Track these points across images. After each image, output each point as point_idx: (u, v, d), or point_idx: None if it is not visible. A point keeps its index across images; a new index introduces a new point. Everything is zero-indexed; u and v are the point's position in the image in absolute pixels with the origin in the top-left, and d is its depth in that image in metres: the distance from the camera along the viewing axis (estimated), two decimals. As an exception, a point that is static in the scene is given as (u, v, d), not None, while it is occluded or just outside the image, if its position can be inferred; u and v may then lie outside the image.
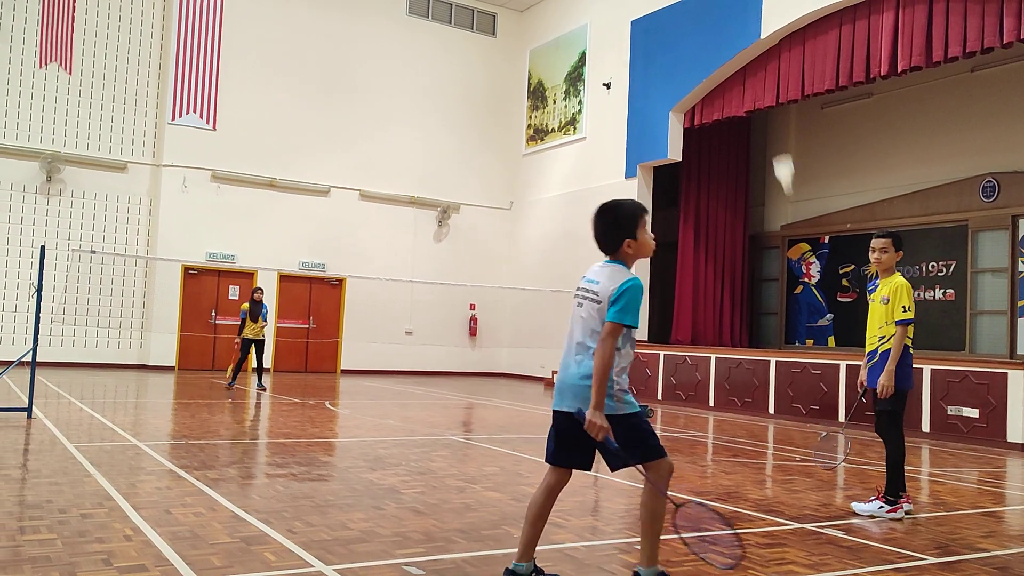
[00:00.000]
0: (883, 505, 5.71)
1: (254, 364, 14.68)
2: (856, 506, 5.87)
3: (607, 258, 3.83)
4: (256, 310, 14.47)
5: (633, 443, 3.60)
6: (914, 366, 12.01)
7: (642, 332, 18.30)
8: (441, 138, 22.21)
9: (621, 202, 3.89)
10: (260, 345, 14.57)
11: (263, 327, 14.52)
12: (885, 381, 5.74)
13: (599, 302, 3.63)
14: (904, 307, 5.76)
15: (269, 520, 4.81)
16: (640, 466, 3.61)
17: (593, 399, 3.53)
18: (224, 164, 19.41)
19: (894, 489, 5.76)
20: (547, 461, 3.77)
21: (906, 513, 5.73)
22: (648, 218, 3.85)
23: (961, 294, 15.87)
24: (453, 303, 21.77)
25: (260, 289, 15.07)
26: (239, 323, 14.78)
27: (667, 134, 17.69)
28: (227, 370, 15.05)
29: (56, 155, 18.00)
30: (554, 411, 3.78)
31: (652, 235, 3.87)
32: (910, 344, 5.85)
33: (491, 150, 22.92)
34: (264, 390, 14.38)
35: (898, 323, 5.77)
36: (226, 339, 19.39)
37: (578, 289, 3.79)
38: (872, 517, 5.68)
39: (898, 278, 5.92)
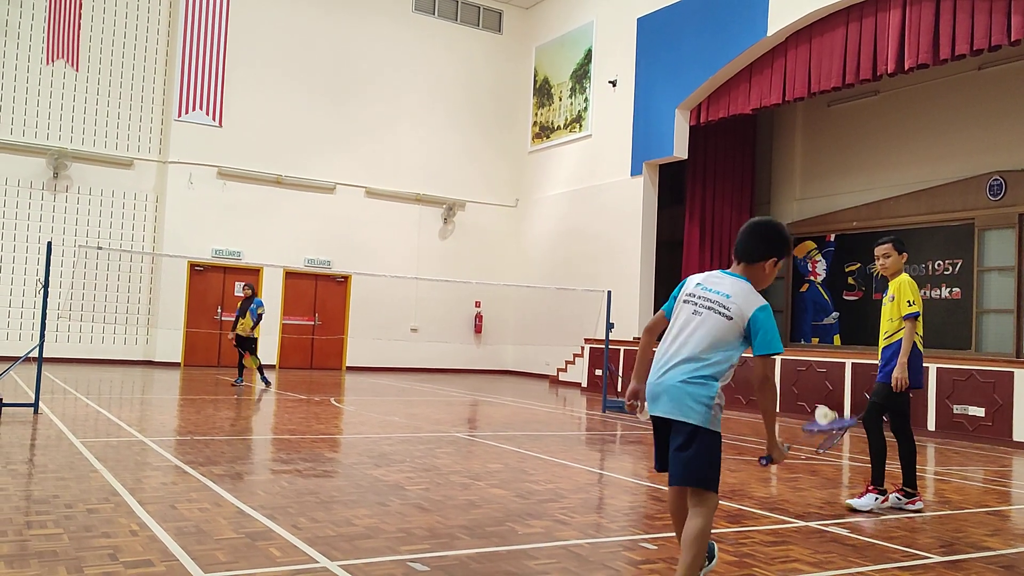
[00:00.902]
0: (877, 497, 5.83)
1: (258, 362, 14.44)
2: (853, 502, 5.90)
3: (731, 270, 3.66)
4: (244, 306, 14.10)
5: (701, 461, 3.42)
6: (922, 365, 11.97)
7: (647, 330, 18.28)
8: (447, 135, 22.21)
9: (782, 224, 3.82)
10: (244, 342, 14.14)
11: (247, 324, 13.98)
12: (899, 373, 5.75)
13: (730, 318, 3.45)
14: (909, 301, 5.78)
15: (274, 516, 4.83)
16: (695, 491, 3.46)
17: (769, 441, 3.55)
18: (230, 161, 19.45)
19: (911, 481, 5.91)
20: (656, 470, 3.66)
21: (917, 511, 5.83)
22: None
23: (967, 293, 15.82)
24: (458, 300, 21.78)
25: (247, 286, 14.83)
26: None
27: (673, 132, 17.67)
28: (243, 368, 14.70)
29: (63, 152, 18.06)
30: (652, 418, 3.60)
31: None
32: (919, 342, 5.85)
33: (497, 147, 22.91)
34: (237, 385, 14.11)
35: (905, 318, 5.78)
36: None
37: (695, 296, 3.58)
38: (872, 512, 5.75)
39: (901, 276, 5.95)
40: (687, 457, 3.41)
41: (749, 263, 3.62)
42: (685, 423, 3.39)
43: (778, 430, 3.70)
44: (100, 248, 12.91)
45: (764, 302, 3.49)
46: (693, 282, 3.64)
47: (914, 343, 5.79)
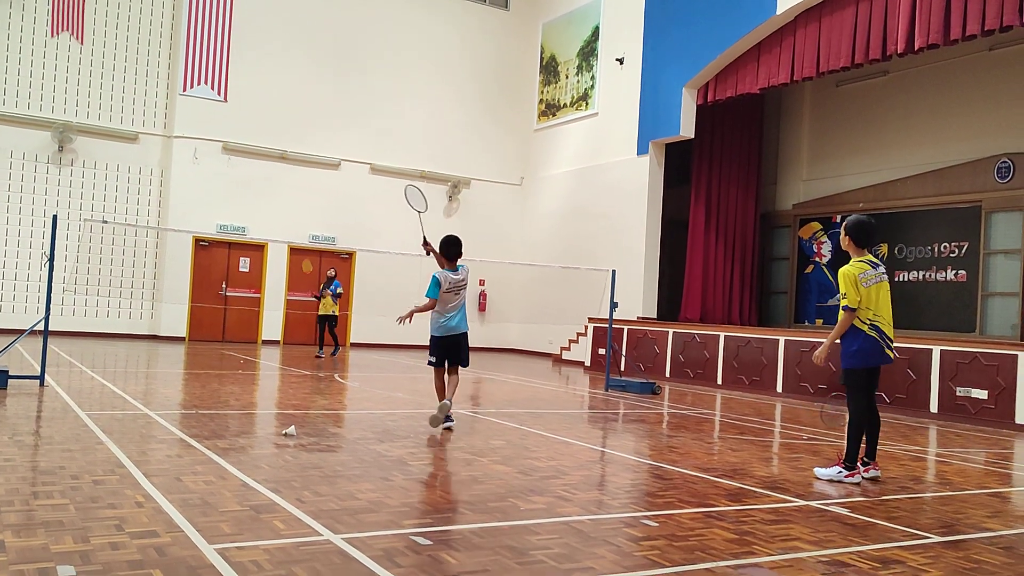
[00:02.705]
0: (842, 470, 6.14)
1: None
2: (817, 471, 6.30)
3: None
4: (327, 284, 16.29)
5: None
6: (920, 347, 11.96)
7: (651, 309, 18.30)
8: (452, 112, 22.11)
9: None
10: (325, 320, 16.36)
11: (328, 303, 16.23)
12: (818, 352, 6.36)
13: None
14: (843, 294, 6.18)
15: (278, 489, 4.86)
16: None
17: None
18: (235, 136, 19.40)
19: (851, 456, 6.18)
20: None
21: (856, 484, 6.08)
22: None
23: (972, 275, 15.78)
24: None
25: (333, 268, 16.99)
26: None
27: (680, 111, 17.56)
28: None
29: (68, 125, 18.03)
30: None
31: None
32: (866, 328, 6.13)
33: (502, 125, 22.81)
34: (320, 357, 16.00)
35: (843, 309, 6.19)
36: (236, 310, 19.53)
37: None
38: (831, 481, 6.11)
39: (844, 266, 6.25)
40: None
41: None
42: None
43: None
44: (105, 222, 12.94)
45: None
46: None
47: (857, 327, 6.13)
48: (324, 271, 18.72)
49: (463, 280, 7.81)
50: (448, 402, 7.42)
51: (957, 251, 16.14)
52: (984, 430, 10.47)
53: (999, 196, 15.42)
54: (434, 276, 7.67)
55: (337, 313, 16.49)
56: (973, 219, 15.84)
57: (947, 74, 16.51)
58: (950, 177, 16.21)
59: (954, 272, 16.14)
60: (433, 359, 7.72)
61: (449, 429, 7.52)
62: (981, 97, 15.95)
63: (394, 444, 6.72)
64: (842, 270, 6.22)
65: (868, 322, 6.13)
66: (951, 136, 16.40)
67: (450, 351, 7.72)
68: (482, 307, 22.36)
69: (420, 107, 21.63)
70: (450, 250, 7.81)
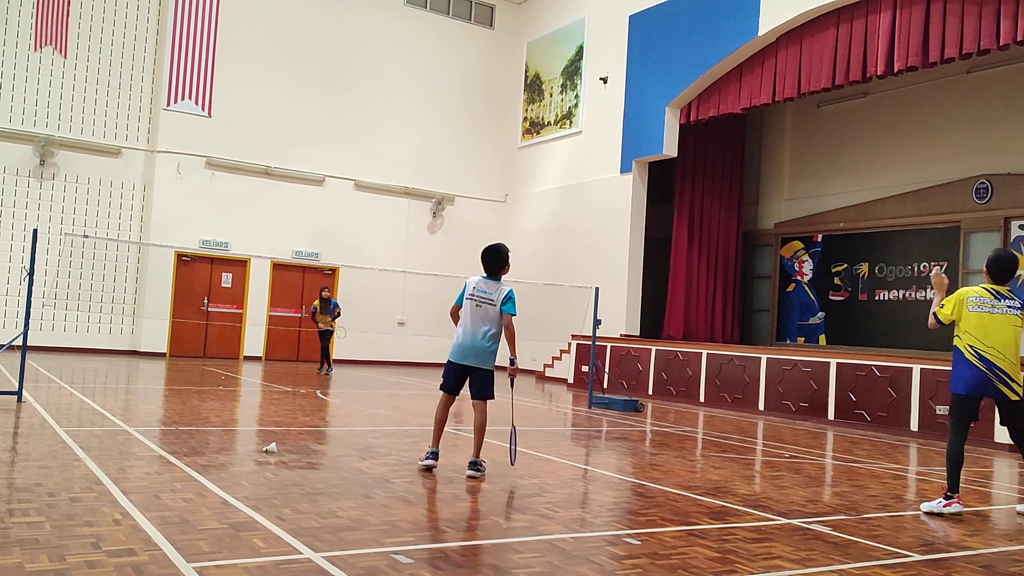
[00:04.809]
0: (941, 500, 6.04)
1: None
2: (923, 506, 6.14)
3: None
4: (325, 307, 16.45)
5: None
6: (901, 366, 12.07)
7: (633, 327, 18.35)
8: (437, 129, 22.17)
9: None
10: (325, 335, 16.71)
11: (330, 320, 16.50)
12: None
13: None
14: (942, 305, 6.34)
15: (258, 507, 4.82)
16: None
17: None
18: (219, 151, 19.34)
19: (952, 485, 6.07)
20: None
21: (953, 514, 5.92)
22: None
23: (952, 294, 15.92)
24: (446, 294, 21.57)
25: (326, 288, 17.07)
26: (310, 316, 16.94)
27: (663, 130, 17.69)
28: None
29: (50, 139, 17.92)
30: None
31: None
32: (964, 349, 6.18)
33: (487, 142, 22.89)
34: (319, 374, 16.31)
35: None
36: (218, 326, 19.41)
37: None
38: (931, 513, 5.96)
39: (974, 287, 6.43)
40: None
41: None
42: None
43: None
44: (86, 236, 12.79)
45: None
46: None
47: (959, 350, 6.19)
48: (317, 289, 18.97)
49: (491, 296, 6.39)
50: (476, 460, 6.30)
51: (937, 271, 16.28)
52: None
53: (977, 216, 15.61)
54: (465, 280, 6.65)
55: (333, 330, 16.79)
56: (952, 239, 16.02)
57: (926, 96, 16.75)
58: (929, 197, 16.41)
59: (934, 292, 16.28)
60: (443, 380, 6.51)
61: (474, 478, 6.19)
62: (960, 119, 16.18)
63: (376, 461, 6.68)
64: (967, 288, 6.38)
65: (970, 349, 6.13)
66: (930, 157, 16.61)
67: (461, 377, 6.42)
68: (466, 324, 22.29)
69: (405, 124, 21.67)
70: (486, 264, 6.57)
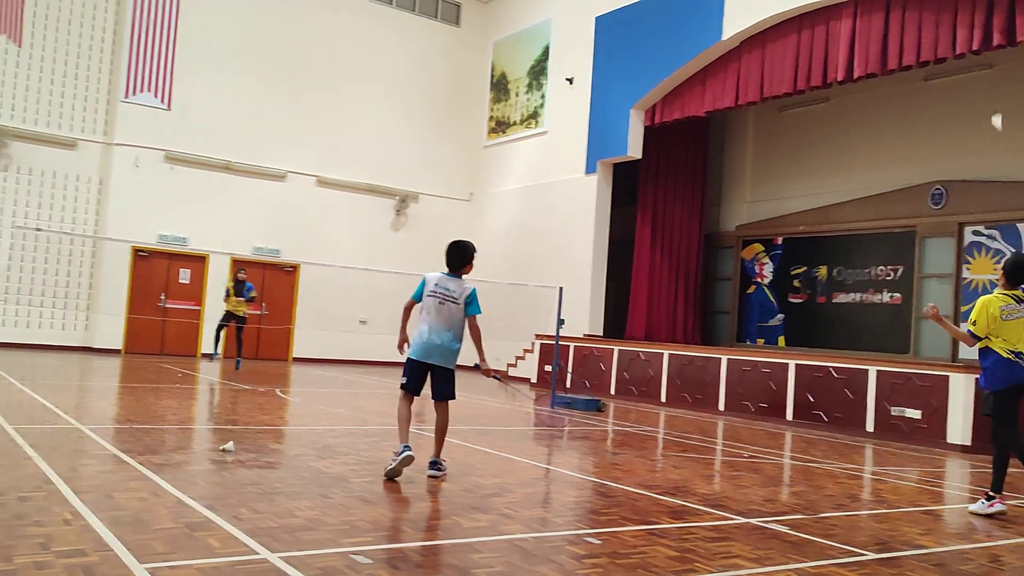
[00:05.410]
0: (984, 501, 6.23)
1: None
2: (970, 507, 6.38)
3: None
4: (240, 288, 15.63)
5: None
6: (857, 367, 12.27)
7: (597, 327, 18.42)
8: (401, 126, 22.04)
9: None
10: (240, 320, 15.79)
11: (241, 302, 15.63)
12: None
13: None
14: (973, 321, 6.41)
15: (214, 506, 4.74)
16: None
17: None
18: (178, 145, 19.01)
19: (996, 486, 6.25)
20: None
21: (997, 513, 6.13)
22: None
23: (907, 298, 16.25)
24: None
25: (242, 269, 16.32)
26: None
27: (628, 131, 17.79)
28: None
29: (3, 130, 17.46)
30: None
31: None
32: (1002, 351, 6.28)
33: (452, 140, 22.81)
34: (236, 370, 15.33)
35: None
36: (175, 322, 19.08)
37: None
38: (976, 514, 6.18)
39: (989, 295, 6.50)
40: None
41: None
42: None
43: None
44: (39, 230, 12.51)
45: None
46: None
47: (995, 351, 6.29)
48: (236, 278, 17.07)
49: (455, 294, 6.29)
50: (437, 460, 6.22)
51: (893, 274, 16.61)
52: (918, 449, 10.75)
53: (933, 221, 15.94)
54: (423, 277, 6.49)
55: (247, 315, 15.91)
56: (908, 243, 16.33)
57: (885, 103, 17.05)
58: (887, 202, 16.70)
59: (890, 295, 16.60)
60: (403, 379, 6.29)
61: (435, 478, 6.10)
62: (917, 126, 16.50)
63: (335, 461, 6.61)
64: (984, 298, 6.41)
65: (1006, 350, 6.27)
66: (888, 162, 16.91)
67: (423, 376, 6.30)
68: (428, 323, 22.19)
69: (369, 120, 21.51)
70: (450, 259, 6.44)
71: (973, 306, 6.47)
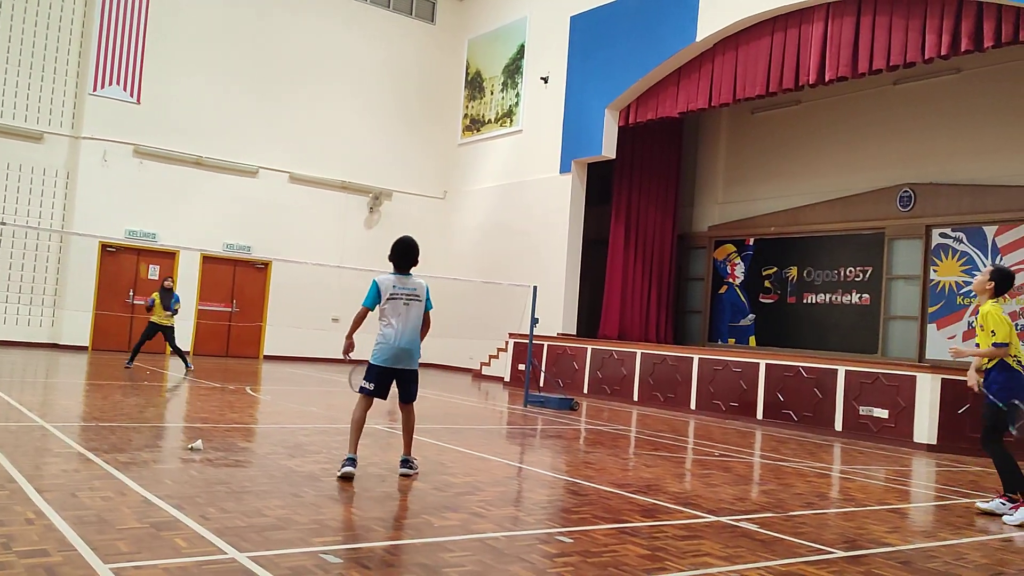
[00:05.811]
0: (1004, 503, 6.26)
1: (175, 349, 14.68)
2: (979, 504, 6.49)
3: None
4: (167, 299, 14.36)
5: None
6: (826, 367, 12.36)
7: (570, 326, 18.45)
8: (375, 123, 21.93)
9: None
10: (168, 332, 14.44)
11: (168, 315, 14.39)
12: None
13: None
14: (992, 332, 6.28)
15: (182, 505, 4.67)
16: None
17: None
18: (148, 139, 18.75)
19: (1011, 487, 6.29)
20: None
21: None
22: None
23: (876, 299, 16.46)
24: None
25: (170, 278, 15.01)
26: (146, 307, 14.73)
27: (602, 131, 17.83)
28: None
29: (-33, 121, 17.13)
30: None
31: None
32: (1015, 364, 6.28)
33: (426, 138, 22.73)
34: (190, 369, 14.37)
35: (994, 346, 6.28)
36: (143, 319, 18.76)
37: None
38: (992, 514, 6.24)
39: (985, 306, 6.42)
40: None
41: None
42: None
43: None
44: (4, 224, 12.27)
45: None
46: None
47: (1010, 366, 6.26)
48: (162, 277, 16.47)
49: (417, 293, 6.17)
50: (408, 458, 6.15)
51: (862, 275, 16.81)
52: (885, 448, 10.89)
53: (901, 224, 16.15)
54: (373, 282, 6.21)
55: (173, 326, 14.60)
56: (877, 245, 16.54)
57: (855, 106, 17.24)
58: (856, 204, 16.90)
59: (859, 296, 16.80)
60: (370, 386, 6.11)
61: (407, 476, 6.03)
62: (886, 129, 16.70)
63: (305, 459, 6.55)
64: (990, 309, 6.32)
65: (1015, 358, 6.27)
66: (858, 165, 17.11)
67: (391, 382, 6.15)
68: (401, 321, 22.10)
69: (343, 116, 21.37)
70: (398, 258, 6.23)
71: (984, 321, 6.35)
